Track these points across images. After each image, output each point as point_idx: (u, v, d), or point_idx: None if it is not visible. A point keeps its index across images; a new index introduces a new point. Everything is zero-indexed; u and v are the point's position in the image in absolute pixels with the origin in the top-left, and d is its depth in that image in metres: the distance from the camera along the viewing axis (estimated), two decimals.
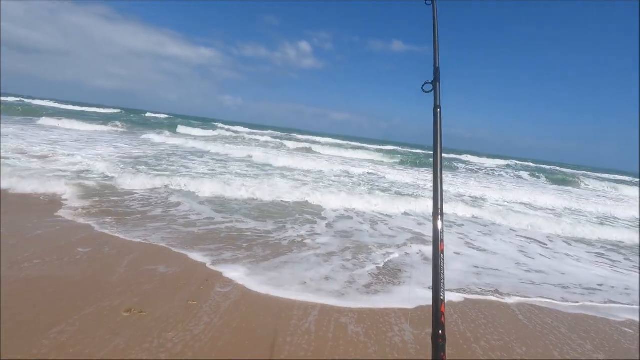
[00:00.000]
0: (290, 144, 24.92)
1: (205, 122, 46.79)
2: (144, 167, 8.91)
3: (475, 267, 4.85)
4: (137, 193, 6.45)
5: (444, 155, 1.30)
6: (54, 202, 5.30)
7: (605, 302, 4.22)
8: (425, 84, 1.37)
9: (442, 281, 0.99)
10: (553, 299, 4.09)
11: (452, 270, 4.59)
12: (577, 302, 4.11)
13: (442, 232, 1.09)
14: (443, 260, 1.03)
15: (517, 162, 38.88)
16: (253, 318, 2.84)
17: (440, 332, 0.89)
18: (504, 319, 3.42)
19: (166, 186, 7.14)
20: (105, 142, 13.54)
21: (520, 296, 4.05)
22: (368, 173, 14.38)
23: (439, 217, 1.11)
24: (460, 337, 2.96)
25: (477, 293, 3.97)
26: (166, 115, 46.14)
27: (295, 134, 43.10)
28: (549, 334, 3.25)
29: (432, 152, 1.26)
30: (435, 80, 1.34)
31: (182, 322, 2.63)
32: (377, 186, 11.04)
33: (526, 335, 3.17)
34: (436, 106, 1.30)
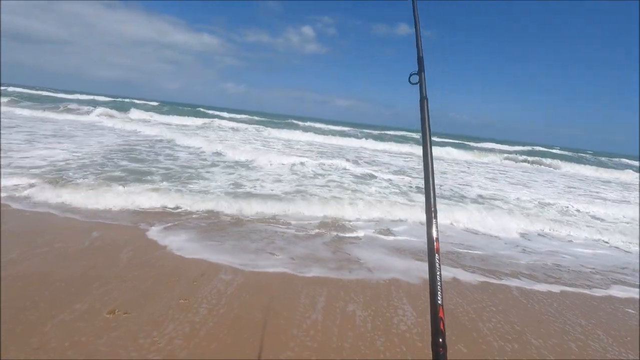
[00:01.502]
0: (270, 132, 22.87)
1: (205, 109, 47.03)
2: None
3: None
4: None
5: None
6: None
7: None
8: (411, 75, 1.31)
9: (439, 284, 0.95)
10: None
11: None
12: None
13: (437, 231, 1.05)
14: (439, 261, 0.98)
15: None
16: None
17: (440, 340, 0.85)
18: None
19: None
20: None
21: None
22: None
23: (433, 215, 1.07)
24: None
25: None
26: (156, 103, 45.78)
27: (294, 121, 42.96)
28: None
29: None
30: (420, 70, 1.28)
31: None
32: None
33: None
34: (422, 97, 1.24)
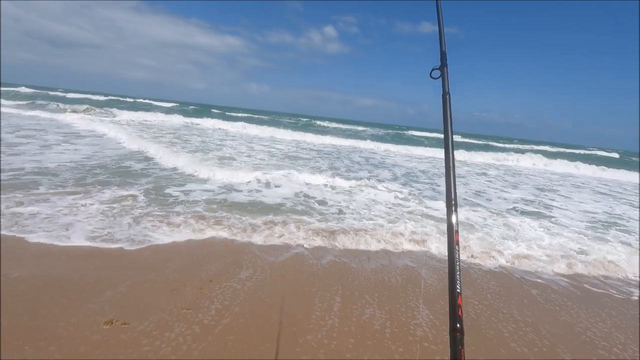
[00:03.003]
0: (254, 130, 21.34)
1: (224, 110, 48.57)
2: None
3: None
4: None
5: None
6: None
7: None
8: (433, 69, 1.33)
9: (458, 273, 0.98)
10: None
11: None
12: None
13: (457, 223, 1.08)
14: (459, 252, 1.02)
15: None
16: None
17: (458, 325, 0.89)
18: None
19: None
20: None
21: None
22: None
23: (453, 207, 1.09)
24: None
25: None
26: (173, 104, 47.69)
27: (316, 120, 43.22)
28: None
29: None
30: (443, 65, 1.29)
31: None
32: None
33: None
34: (445, 92, 1.27)
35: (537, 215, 7.30)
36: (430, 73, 1.33)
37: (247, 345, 2.45)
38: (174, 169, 8.10)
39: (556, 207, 8.61)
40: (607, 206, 9.64)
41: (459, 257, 1.01)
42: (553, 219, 7.13)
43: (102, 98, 44.28)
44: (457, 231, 1.06)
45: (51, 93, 44.62)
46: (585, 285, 4.19)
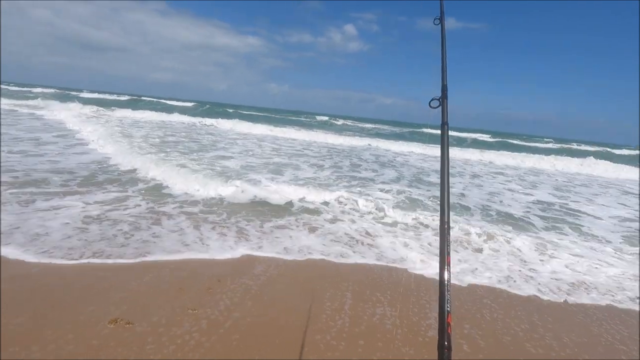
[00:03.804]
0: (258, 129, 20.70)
1: (238, 108, 50.48)
2: None
3: None
4: None
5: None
6: None
7: None
8: (432, 100, 1.41)
9: (448, 293, 1.01)
10: None
11: None
12: None
13: (449, 246, 1.11)
14: (449, 273, 1.05)
15: None
16: None
17: (446, 342, 0.91)
18: None
19: None
20: None
21: None
22: None
23: (446, 229, 1.14)
24: None
25: None
26: (192, 103, 49.19)
27: (334, 119, 44.06)
28: None
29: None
30: (443, 97, 1.38)
31: None
32: None
33: None
34: (443, 123, 1.35)
35: None
36: (430, 102, 1.41)
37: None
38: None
39: None
40: None
41: (449, 277, 1.04)
42: None
43: (121, 98, 45.40)
44: (448, 253, 1.10)
45: (73, 93, 45.20)
46: None
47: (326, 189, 7.12)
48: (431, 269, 4.07)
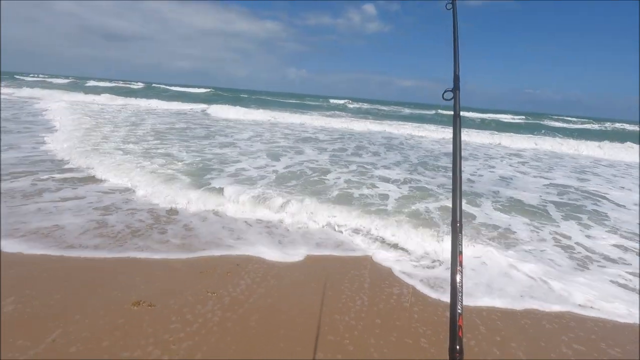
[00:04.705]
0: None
1: (253, 94, 51.50)
2: None
3: None
4: None
5: None
6: None
7: None
8: (445, 91, 1.36)
9: (460, 294, 0.98)
10: None
11: None
12: None
13: (461, 244, 1.08)
14: (462, 273, 1.02)
15: None
16: None
17: (457, 347, 0.89)
18: None
19: None
20: None
21: None
22: None
23: (458, 228, 1.10)
24: None
25: None
26: (206, 90, 50.07)
27: (351, 102, 44.02)
28: None
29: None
30: (455, 88, 1.32)
31: None
32: None
33: None
34: (455, 115, 1.29)
35: None
36: (443, 95, 1.36)
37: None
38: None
39: None
40: None
41: (462, 278, 1.01)
42: None
43: (136, 86, 47.36)
44: (461, 252, 1.07)
45: (87, 83, 47.17)
46: None
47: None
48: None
